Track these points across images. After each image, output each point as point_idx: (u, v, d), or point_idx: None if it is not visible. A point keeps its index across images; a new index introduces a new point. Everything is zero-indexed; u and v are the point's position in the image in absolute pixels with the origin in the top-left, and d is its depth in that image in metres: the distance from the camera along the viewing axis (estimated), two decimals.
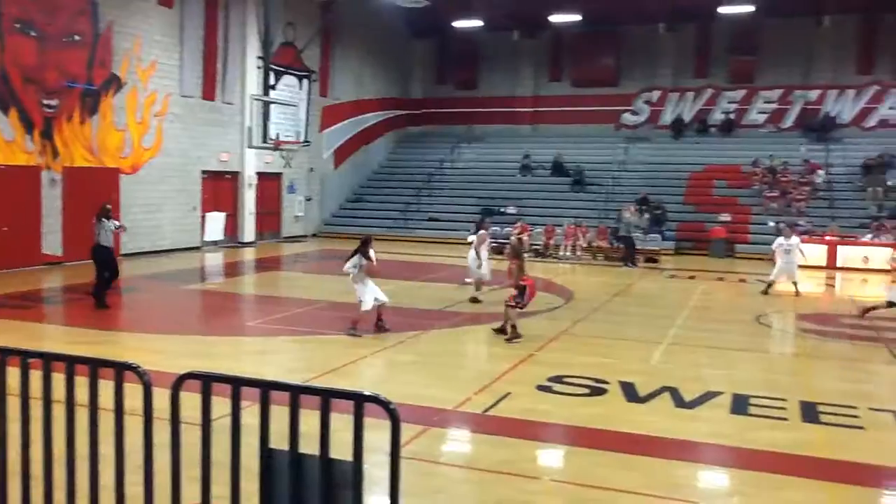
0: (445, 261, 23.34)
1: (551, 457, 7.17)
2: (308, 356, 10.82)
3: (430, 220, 29.72)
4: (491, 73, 35.38)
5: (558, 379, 9.29)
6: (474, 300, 15.09)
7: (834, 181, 27.73)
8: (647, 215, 25.63)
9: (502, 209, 28.65)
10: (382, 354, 10.71)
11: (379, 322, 11.87)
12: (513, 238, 16.96)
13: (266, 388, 3.50)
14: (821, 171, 27.90)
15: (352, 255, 11.58)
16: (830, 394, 8.98)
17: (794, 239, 17.39)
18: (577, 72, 34.04)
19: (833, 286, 20.16)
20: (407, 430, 7.02)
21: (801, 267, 17.35)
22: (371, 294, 11.58)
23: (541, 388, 8.93)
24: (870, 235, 23.56)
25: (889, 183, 26.39)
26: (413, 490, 6.04)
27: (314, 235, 29.94)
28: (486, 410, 8.06)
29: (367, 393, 3.45)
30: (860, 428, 7.81)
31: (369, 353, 10.67)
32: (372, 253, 11.54)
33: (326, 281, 17.86)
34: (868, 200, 26.21)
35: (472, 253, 15.75)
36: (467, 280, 16.44)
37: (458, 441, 7.64)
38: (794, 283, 17.07)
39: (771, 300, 16.47)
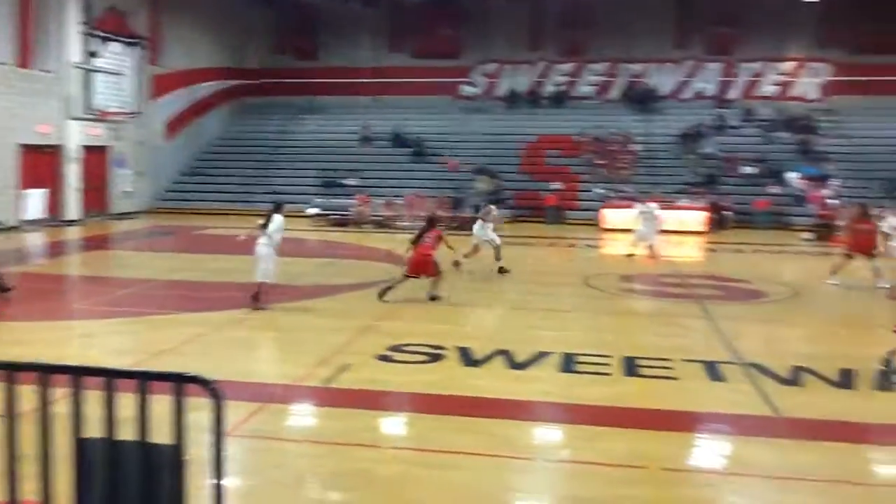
0: (285, 234, 22.97)
1: (390, 425, 7.31)
2: (139, 338, 10.39)
3: (271, 193, 29.07)
4: (331, 43, 34.86)
5: (397, 348, 9.44)
6: (457, 263, 15.15)
7: (655, 150, 29.50)
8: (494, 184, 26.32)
9: (343, 181, 28.47)
10: (219, 332, 10.46)
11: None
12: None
13: (77, 375, 3.36)
14: (639, 140, 29.58)
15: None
16: (649, 348, 9.67)
17: (653, 205, 18.48)
18: (417, 43, 34.17)
19: (653, 248, 21.47)
20: (244, 408, 7.00)
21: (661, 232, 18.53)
22: None
23: (380, 357, 9.05)
24: (687, 200, 25.30)
25: (703, 151, 28.41)
26: (250, 467, 6.02)
27: (147, 212, 28.56)
28: (326, 383, 8.08)
29: (188, 373, 3.39)
30: (674, 378, 8.47)
31: (205, 331, 10.40)
32: None
33: (159, 259, 17.16)
34: (685, 168, 28.12)
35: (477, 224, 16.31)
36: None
37: (298, 415, 7.64)
38: (650, 247, 18.12)
39: (597, 263, 17.41)
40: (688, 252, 20.59)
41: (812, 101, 31.60)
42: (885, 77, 30.24)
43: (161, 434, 3.47)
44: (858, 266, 14.95)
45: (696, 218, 24.20)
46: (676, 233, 23.52)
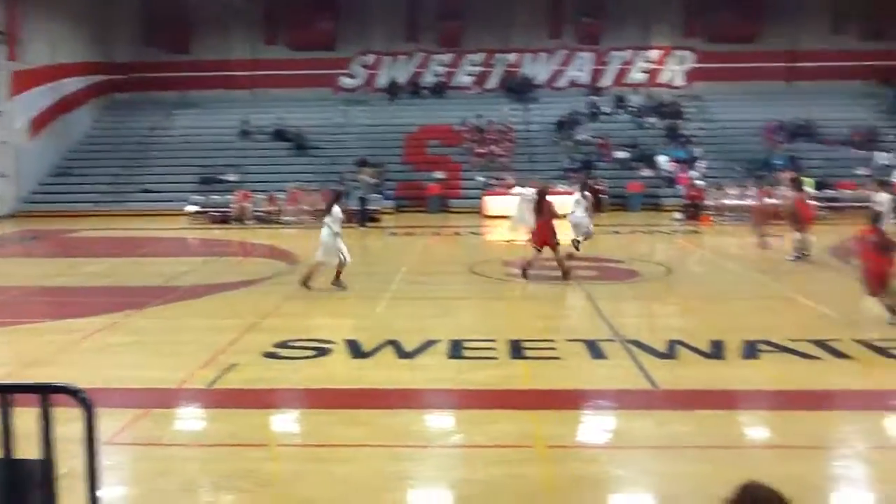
0: (162, 234, 22.25)
1: (280, 422, 7.22)
2: (9, 349, 9.82)
3: (145, 192, 28.03)
4: (204, 36, 33.79)
5: (284, 344, 9.31)
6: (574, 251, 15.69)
7: (533, 138, 30.19)
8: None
9: (222, 177, 27.74)
10: (95, 338, 10.01)
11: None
12: None
13: None
14: (517, 128, 30.21)
15: None
16: (533, 330, 9.93)
17: (532, 190, 18.78)
18: (292, 35, 33.59)
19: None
20: (125, 415, 6.76)
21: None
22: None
23: (267, 355, 8.90)
24: (566, 185, 25.97)
25: (578, 138, 29.30)
26: (132, 477, 5.83)
27: (12, 216, 26.95)
28: (211, 384, 7.89)
29: (54, 383, 3.25)
30: (558, 358, 8.73)
31: (81, 338, 9.94)
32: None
33: (29, 264, 16.26)
34: (562, 154, 28.92)
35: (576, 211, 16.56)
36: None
37: (182, 419, 7.42)
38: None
39: (481, 249, 17.67)
40: (566, 235, 21.17)
41: (678, 87, 33.10)
42: (743, 64, 32.05)
43: (32, 449, 3.31)
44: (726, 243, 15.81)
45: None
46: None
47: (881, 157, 26.90)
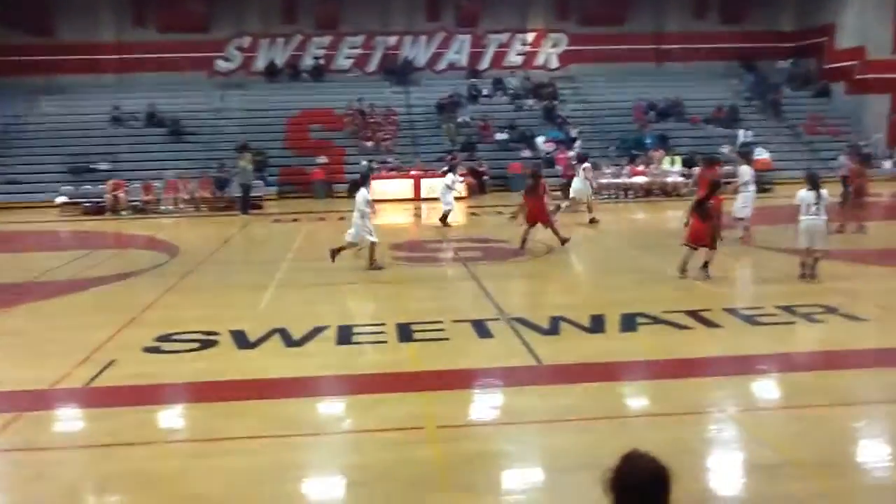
0: (31, 227, 21.07)
1: (164, 419, 7.00)
2: None
3: (10, 183, 26.39)
4: (68, 17, 31.87)
5: (166, 338, 9.03)
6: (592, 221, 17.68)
7: (415, 121, 30.23)
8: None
9: (93, 166, 26.43)
10: None
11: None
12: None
13: None
14: (399, 112, 30.21)
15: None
16: (421, 312, 10.00)
17: (450, 177, 19.37)
18: (162, 16, 32.13)
19: (419, 216, 22.19)
20: None
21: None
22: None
23: (148, 349, 8.61)
24: (447, 168, 26.21)
25: (459, 120, 29.56)
26: (6, 484, 5.55)
27: None
28: (89, 383, 7.57)
29: None
30: (446, 339, 8.85)
31: None
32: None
33: None
34: (444, 136, 29.11)
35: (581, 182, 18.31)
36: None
37: (59, 421, 7.09)
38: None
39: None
40: (451, 217, 21.40)
41: (553, 69, 33.86)
42: (613, 46, 33.14)
43: None
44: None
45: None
46: (438, 200, 24.29)
47: (743, 135, 28.50)
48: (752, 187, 15.25)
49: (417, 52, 33.44)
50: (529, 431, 6.34)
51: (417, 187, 25.01)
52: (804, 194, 11.20)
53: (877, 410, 6.77)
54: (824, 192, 11.23)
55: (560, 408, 6.73)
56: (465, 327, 9.25)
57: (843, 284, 11.18)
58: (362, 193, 13.33)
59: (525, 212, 15.25)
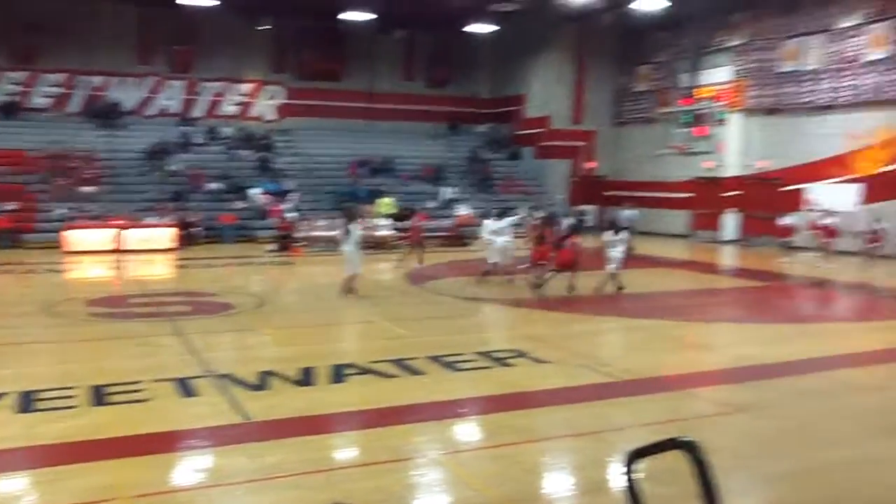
0: None
1: None
2: None
3: None
4: None
5: None
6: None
7: (120, 167, 28.45)
8: None
9: None
10: None
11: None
12: None
13: None
14: (102, 157, 28.35)
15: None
16: (119, 373, 9.32)
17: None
18: None
19: (121, 269, 20.79)
20: None
21: None
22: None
23: None
24: (154, 217, 24.98)
25: (169, 168, 28.36)
26: None
27: None
28: None
29: None
30: (146, 401, 8.31)
31: None
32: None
33: None
34: (151, 184, 27.72)
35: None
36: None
37: None
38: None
39: (62, 289, 16.19)
40: (157, 270, 20.36)
41: (269, 121, 33.84)
42: (328, 102, 33.99)
43: None
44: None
45: (164, 235, 24.09)
46: (144, 251, 23.02)
47: (446, 192, 30.50)
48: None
49: (125, 94, 31.66)
50: (235, 493, 6.13)
51: (119, 238, 23.40)
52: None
53: (559, 444, 7.47)
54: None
55: (267, 466, 6.59)
56: (167, 387, 8.76)
57: (531, 329, 12.29)
58: (353, 228, 15.29)
59: (552, 259, 15.77)
